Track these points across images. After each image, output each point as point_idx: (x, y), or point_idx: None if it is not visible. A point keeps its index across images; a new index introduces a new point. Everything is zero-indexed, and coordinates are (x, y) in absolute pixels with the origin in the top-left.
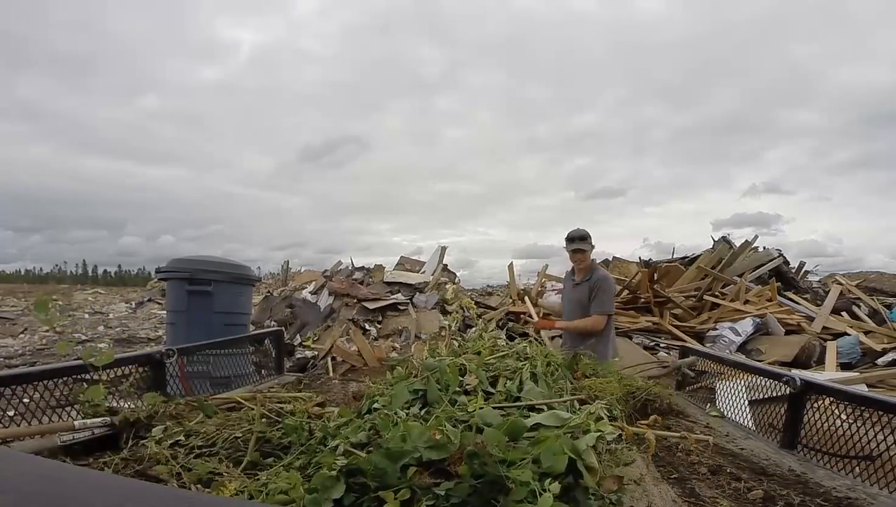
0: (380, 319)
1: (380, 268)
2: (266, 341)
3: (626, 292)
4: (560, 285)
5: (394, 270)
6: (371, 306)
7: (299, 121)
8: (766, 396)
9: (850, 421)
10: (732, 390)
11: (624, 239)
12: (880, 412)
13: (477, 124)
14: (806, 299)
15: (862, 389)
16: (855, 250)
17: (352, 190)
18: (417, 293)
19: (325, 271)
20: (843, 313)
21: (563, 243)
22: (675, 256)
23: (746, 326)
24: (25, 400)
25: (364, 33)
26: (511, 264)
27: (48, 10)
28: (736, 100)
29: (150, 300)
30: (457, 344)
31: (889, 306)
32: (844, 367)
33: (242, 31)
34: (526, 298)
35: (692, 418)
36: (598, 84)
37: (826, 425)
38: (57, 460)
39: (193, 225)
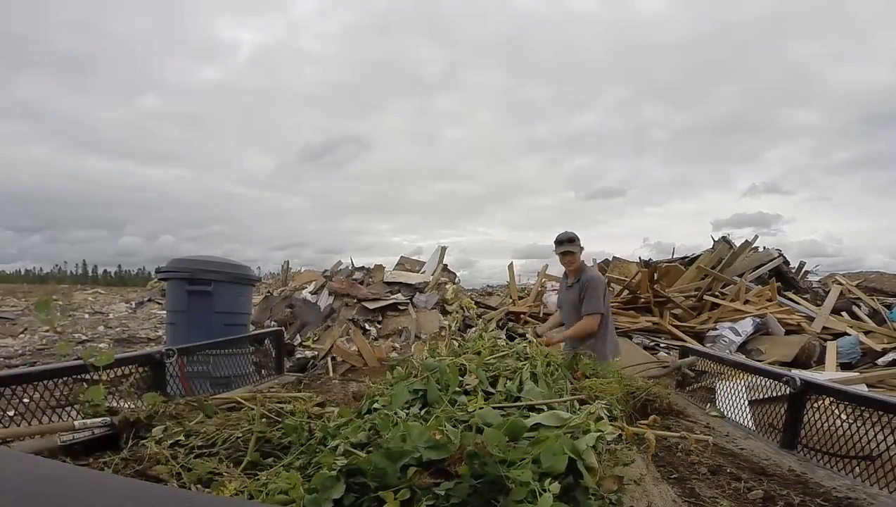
0: (380, 319)
1: (380, 268)
2: (266, 341)
3: (626, 292)
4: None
5: (394, 270)
6: (371, 306)
7: (299, 121)
8: (766, 396)
9: (850, 421)
10: (732, 390)
11: (624, 239)
12: (880, 412)
13: (477, 124)
14: (806, 299)
15: (862, 389)
16: (855, 250)
17: (352, 190)
18: (417, 293)
19: (325, 271)
20: (843, 313)
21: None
22: (675, 256)
23: (746, 326)
24: (25, 400)
25: (364, 33)
26: (511, 263)
27: (48, 10)
28: (736, 100)
29: (150, 300)
30: (457, 344)
31: (889, 306)
32: (844, 367)
33: (242, 31)
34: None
35: (692, 418)
36: (598, 84)
37: (826, 425)
38: (57, 460)
39: (193, 225)
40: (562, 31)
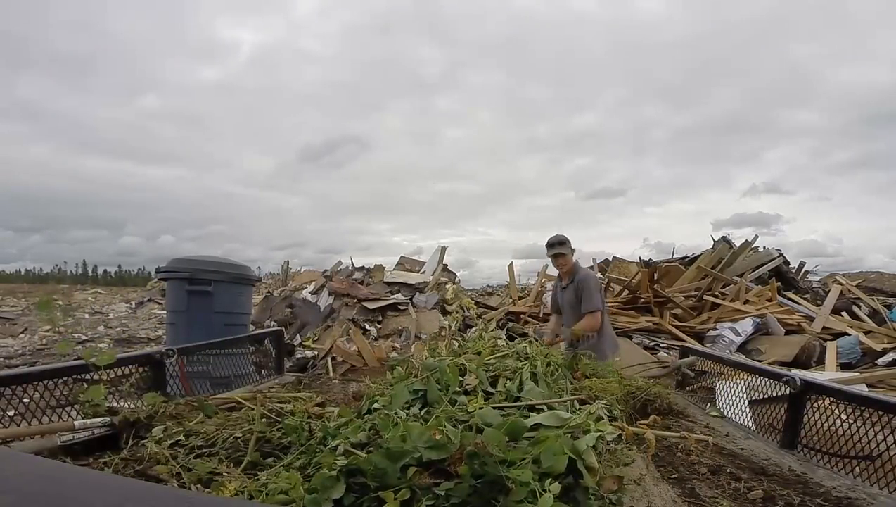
0: (380, 319)
1: (380, 268)
2: (266, 341)
3: (626, 292)
4: None
5: (394, 270)
6: (371, 306)
7: (299, 121)
8: (766, 396)
9: (850, 421)
10: (732, 390)
11: (624, 239)
12: (880, 412)
13: (477, 124)
14: (806, 299)
15: (862, 389)
16: (855, 250)
17: (352, 190)
18: (417, 293)
19: (325, 271)
20: (843, 313)
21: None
22: (675, 256)
23: (746, 326)
24: (25, 400)
25: (364, 33)
26: (511, 263)
27: (48, 10)
28: (736, 100)
29: (150, 300)
30: (457, 344)
31: (889, 306)
32: (844, 367)
33: (242, 31)
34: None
35: (692, 418)
36: (598, 84)
37: (826, 425)
38: (57, 460)
39: (193, 225)
40: (562, 31)
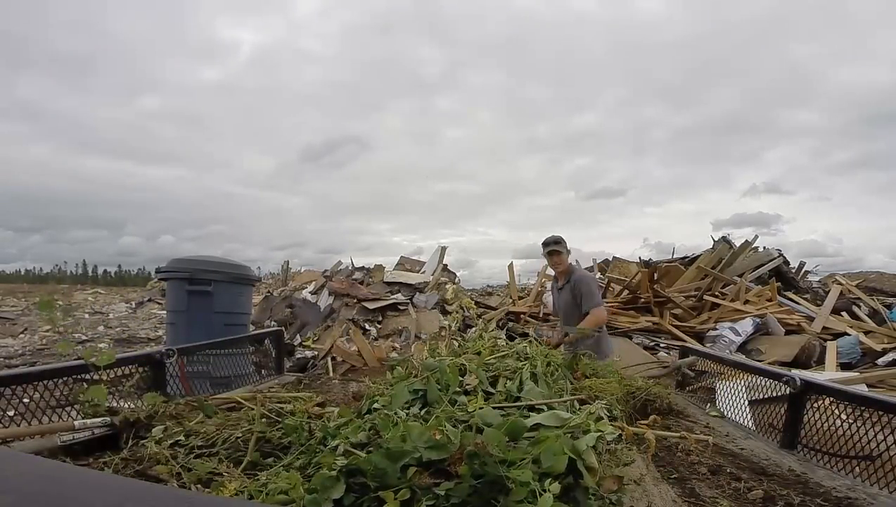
0: (380, 319)
1: (380, 268)
2: (266, 341)
3: (626, 292)
4: None
5: (394, 270)
6: (371, 306)
7: (299, 121)
8: (766, 396)
9: (850, 421)
10: (732, 390)
11: (624, 239)
12: (880, 412)
13: (477, 124)
14: (806, 299)
15: (862, 389)
16: (855, 250)
17: (352, 190)
18: (417, 293)
19: (325, 271)
20: (843, 313)
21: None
22: (675, 256)
23: (746, 326)
24: (25, 400)
25: (364, 33)
26: (511, 263)
27: (48, 10)
28: (736, 100)
29: (150, 300)
30: (457, 344)
31: (889, 306)
32: (844, 367)
33: (242, 31)
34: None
35: (692, 418)
36: (598, 84)
37: (826, 425)
38: (57, 460)
39: (193, 225)
40: (562, 31)
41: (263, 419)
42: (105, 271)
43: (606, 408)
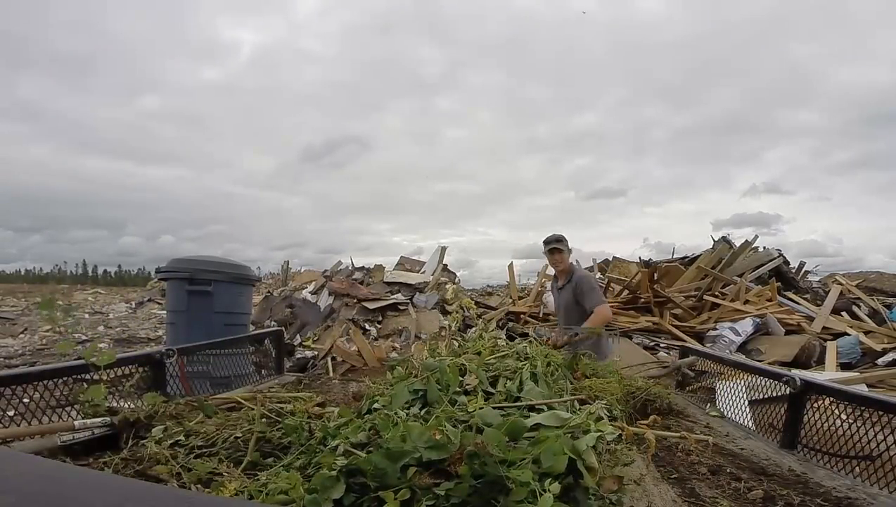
0: (380, 319)
1: (380, 268)
2: (266, 341)
3: (626, 292)
4: None
5: (394, 270)
6: (371, 306)
7: (299, 121)
8: (766, 396)
9: (850, 421)
10: (732, 390)
11: (624, 239)
12: (880, 412)
13: (477, 124)
14: (806, 299)
15: (862, 389)
16: (855, 250)
17: (352, 190)
18: (417, 293)
19: (325, 271)
20: (843, 313)
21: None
22: (675, 256)
23: (746, 326)
24: (25, 400)
25: (364, 33)
26: (511, 264)
27: (48, 10)
28: (736, 100)
29: (150, 300)
30: (457, 344)
31: (889, 306)
32: (844, 367)
33: (243, 31)
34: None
35: (692, 418)
36: (598, 84)
37: (826, 425)
38: (57, 460)
39: (193, 225)
40: (562, 31)
41: (263, 419)
42: (105, 271)
43: (606, 408)
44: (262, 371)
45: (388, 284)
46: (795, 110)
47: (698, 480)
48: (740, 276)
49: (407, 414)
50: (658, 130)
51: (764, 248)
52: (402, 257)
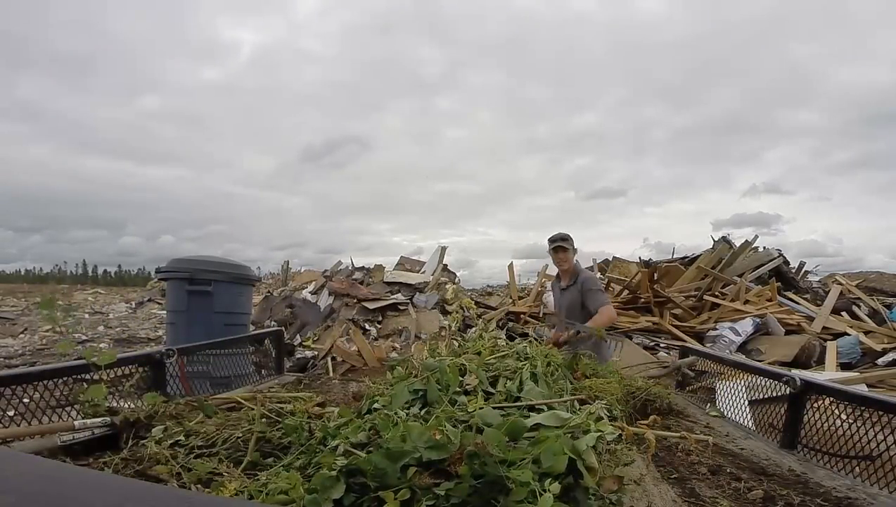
0: (380, 319)
1: (380, 268)
2: (266, 341)
3: (626, 292)
4: None
5: (394, 270)
6: (371, 306)
7: (299, 121)
8: (766, 396)
9: (850, 421)
10: (732, 390)
11: (624, 239)
12: (880, 412)
13: (477, 124)
14: (806, 299)
15: (862, 389)
16: (855, 250)
17: (352, 190)
18: (417, 293)
19: (325, 271)
20: (843, 313)
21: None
22: (675, 256)
23: (746, 326)
24: (25, 400)
25: (364, 33)
26: (511, 264)
27: (48, 10)
28: (736, 100)
29: (150, 300)
30: (457, 344)
31: (889, 306)
32: (844, 367)
33: (243, 31)
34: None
35: (692, 418)
36: (598, 84)
37: (826, 425)
38: (57, 460)
39: (193, 225)
40: (562, 31)
41: (263, 419)
42: (105, 271)
43: (606, 408)
44: (262, 371)
45: (388, 284)
46: (795, 110)
47: (698, 480)
48: (740, 276)
49: (407, 414)
50: (658, 130)
51: (764, 248)
52: (402, 257)
